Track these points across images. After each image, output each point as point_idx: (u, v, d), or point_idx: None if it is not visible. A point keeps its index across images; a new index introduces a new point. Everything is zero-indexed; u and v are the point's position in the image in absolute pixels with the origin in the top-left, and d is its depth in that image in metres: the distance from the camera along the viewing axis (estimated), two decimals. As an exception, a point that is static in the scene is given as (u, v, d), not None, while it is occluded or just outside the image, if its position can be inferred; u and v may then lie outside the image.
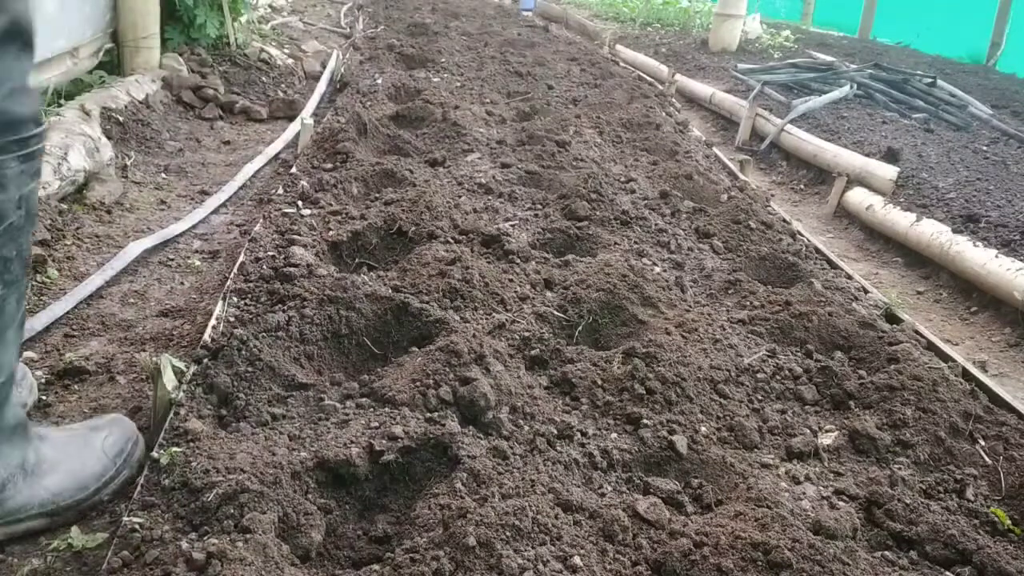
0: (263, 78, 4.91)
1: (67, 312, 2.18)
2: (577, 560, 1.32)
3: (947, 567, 1.48)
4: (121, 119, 3.54)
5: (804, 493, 1.65)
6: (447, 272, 2.25)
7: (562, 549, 1.34)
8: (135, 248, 2.56)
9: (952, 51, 8.62)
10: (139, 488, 1.45)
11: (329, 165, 3.30)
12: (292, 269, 2.23)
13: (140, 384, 1.92)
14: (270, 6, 7.23)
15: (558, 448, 1.67)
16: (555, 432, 1.71)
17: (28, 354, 1.97)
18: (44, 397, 1.83)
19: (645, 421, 1.77)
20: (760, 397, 1.98)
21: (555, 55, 6.46)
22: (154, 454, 1.51)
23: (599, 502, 1.51)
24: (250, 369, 1.76)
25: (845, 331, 2.27)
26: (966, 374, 2.17)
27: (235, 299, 2.14)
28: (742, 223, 3.03)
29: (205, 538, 1.29)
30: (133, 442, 1.59)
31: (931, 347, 2.33)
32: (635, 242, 2.77)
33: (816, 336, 2.26)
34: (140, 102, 3.79)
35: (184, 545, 1.27)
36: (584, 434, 1.73)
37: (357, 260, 2.52)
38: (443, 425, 1.61)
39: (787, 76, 6.02)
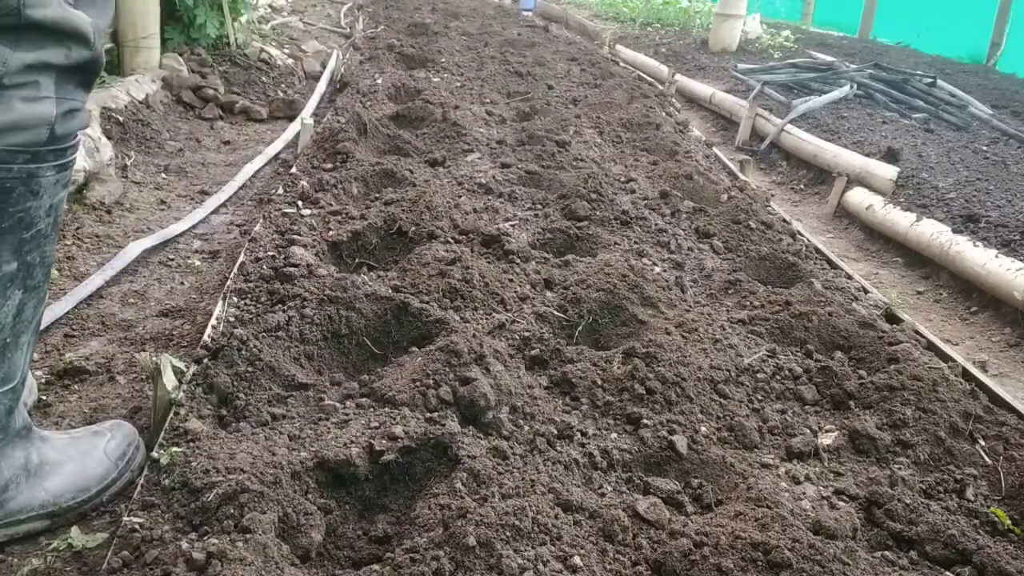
0: (263, 78, 4.91)
1: (67, 312, 2.18)
2: (577, 560, 1.32)
3: (947, 567, 1.48)
4: (121, 119, 3.54)
5: (804, 493, 1.65)
6: (447, 272, 2.25)
7: (562, 549, 1.34)
8: (135, 248, 2.56)
9: (952, 51, 8.62)
10: (139, 488, 1.45)
11: (329, 165, 3.30)
12: (292, 269, 2.23)
13: (140, 384, 1.92)
14: (270, 6, 7.23)
15: (558, 448, 1.67)
16: (555, 432, 1.71)
17: (28, 354, 1.97)
18: (44, 397, 1.83)
19: (645, 421, 1.77)
20: (760, 397, 1.98)
21: (555, 55, 6.47)
22: (154, 454, 1.51)
23: (599, 502, 1.51)
24: (250, 369, 1.76)
25: (845, 331, 2.27)
26: (966, 374, 2.17)
27: (235, 299, 2.14)
28: (742, 223, 3.03)
29: (205, 538, 1.29)
30: (135, 446, 1.60)
31: (931, 347, 2.33)
32: (635, 242, 2.77)
33: (816, 336, 2.26)
34: (140, 102, 3.79)
35: (184, 545, 1.27)
36: (584, 434, 1.73)
37: (357, 260, 2.52)
38: (443, 425, 1.61)
39: (787, 76, 6.02)
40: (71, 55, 1.25)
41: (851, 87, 5.47)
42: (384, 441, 1.55)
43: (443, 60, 5.76)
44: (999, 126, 5.12)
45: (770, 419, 1.89)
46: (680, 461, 1.70)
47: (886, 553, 1.50)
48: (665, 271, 2.59)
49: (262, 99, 4.66)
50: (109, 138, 3.25)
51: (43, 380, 1.88)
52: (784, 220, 3.26)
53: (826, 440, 1.84)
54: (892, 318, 2.50)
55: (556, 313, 2.20)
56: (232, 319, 2.02)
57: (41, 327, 2.06)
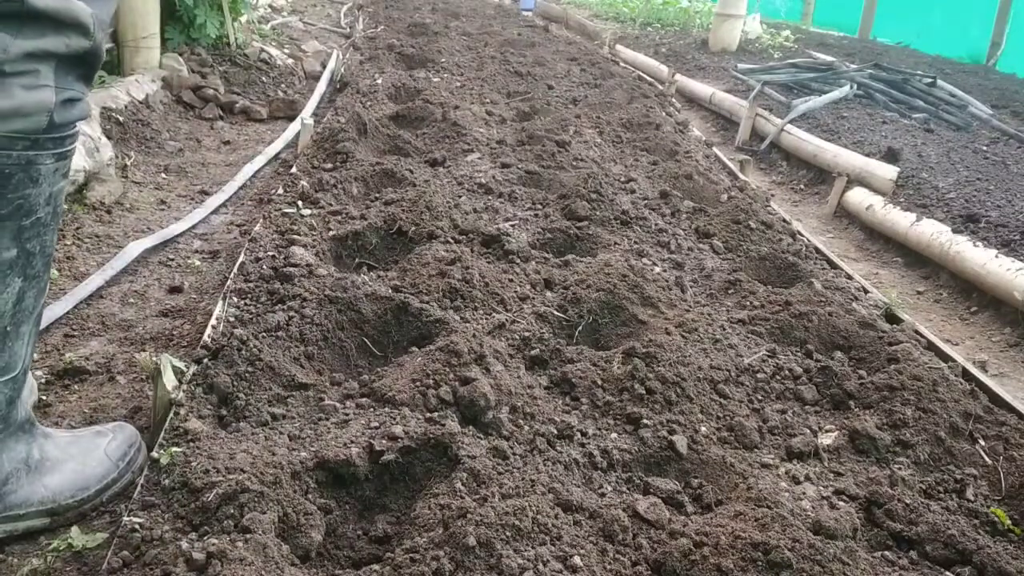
0: (263, 78, 4.91)
1: (67, 312, 2.18)
2: (577, 560, 1.32)
3: (947, 567, 1.48)
4: (121, 119, 3.54)
5: (804, 493, 1.65)
6: (447, 272, 2.25)
7: (562, 549, 1.34)
8: (135, 248, 2.56)
9: (952, 51, 8.63)
10: (139, 488, 1.45)
11: (329, 165, 3.30)
12: (292, 269, 2.23)
13: (140, 384, 1.92)
14: (270, 6, 7.23)
15: (558, 448, 1.67)
16: (555, 432, 1.71)
17: (28, 354, 1.97)
18: (44, 397, 1.83)
19: (645, 421, 1.77)
20: (760, 397, 1.98)
21: (555, 55, 6.47)
22: (154, 454, 1.51)
23: (599, 502, 1.51)
24: (250, 369, 1.76)
25: (845, 331, 2.27)
26: (966, 374, 2.17)
27: (235, 299, 2.14)
28: (742, 223, 3.03)
29: (205, 538, 1.29)
30: (136, 448, 1.60)
31: (931, 347, 2.33)
32: (635, 242, 2.77)
33: (816, 336, 2.26)
34: (140, 102, 3.79)
35: (184, 545, 1.27)
36: (584, 434, 1.73)
37: (357, 260, 2.52)
38: (443, 425, 1.61)
39: (787, 76, 6.02)
40: (71, 44, 1.26)
41: (851, 87, 5.47)
42: (384, 441, 1.55)
43: (443, 60, 5.76)
44: (999, 126, 5.12)
45: (770, 419, 1.89)
46: (680, 461, 1.70)
47: (886, 553, 1.50)
48: (665, 271, 2.59)
49: (262, 99, 4.66)
50: (109, 138, 3.25)
51: (43, 380, 1.88)
52: (784, 220, 3.26)
53: (826, 440, 1.84)
54: (892, 318, 2.50)
55: (556, 313, 2.20)
56: (232, 319, 2.02)
57: (41, 327, 2.07)
